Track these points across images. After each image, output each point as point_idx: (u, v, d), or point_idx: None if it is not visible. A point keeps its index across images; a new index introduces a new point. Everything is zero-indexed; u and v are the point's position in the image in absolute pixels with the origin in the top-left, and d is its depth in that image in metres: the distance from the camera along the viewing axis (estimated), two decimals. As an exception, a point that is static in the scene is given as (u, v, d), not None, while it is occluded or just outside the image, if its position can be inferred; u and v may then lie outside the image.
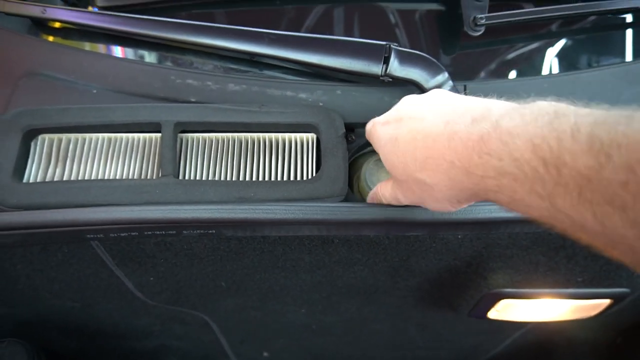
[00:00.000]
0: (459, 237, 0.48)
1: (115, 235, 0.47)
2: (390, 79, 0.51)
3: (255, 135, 0.51)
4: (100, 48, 0.58)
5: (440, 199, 0.37)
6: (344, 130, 0.50)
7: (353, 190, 0.54)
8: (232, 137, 0.51)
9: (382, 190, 0.44)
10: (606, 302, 0.55)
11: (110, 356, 0.79)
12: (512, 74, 0.58)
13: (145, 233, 0.47)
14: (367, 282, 0.57)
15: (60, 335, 0.72)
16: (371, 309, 0.65)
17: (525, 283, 0.53)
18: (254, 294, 0.60)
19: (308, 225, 0.46)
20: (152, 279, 0.55)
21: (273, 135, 0.51)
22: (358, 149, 0.54)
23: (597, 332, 0.75)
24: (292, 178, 0.49)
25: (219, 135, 0.51)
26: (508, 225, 0.47)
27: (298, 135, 0.51)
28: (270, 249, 0.49)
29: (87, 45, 0.58)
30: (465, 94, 0.54)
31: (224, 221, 0.44)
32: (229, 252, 0.50)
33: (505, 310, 0.56)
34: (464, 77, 0.56)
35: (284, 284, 0.57)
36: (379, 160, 0.47)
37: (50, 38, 0.59)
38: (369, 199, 0.47)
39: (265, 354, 0.83)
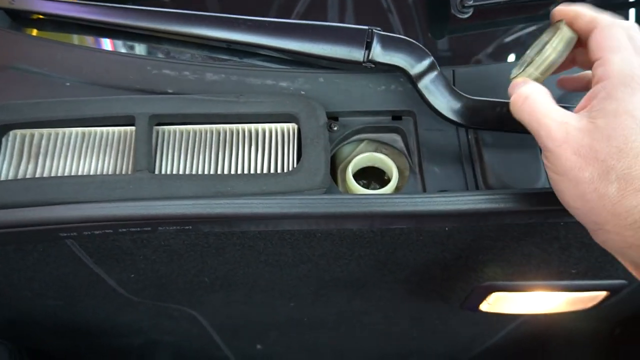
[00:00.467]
0: (446, 229, 0.46)
1: (89, 233, 0.45)
2: (373, 65, 0.49)
3: (233, 126, 0.49)
4: (74, 39, 0.56)
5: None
6: (326, 119, 0.48)
7: (337, 183, 0.52)
8: (209, 129, 0.49)
9: (553, 108, 0.35)
10: (602, 294, 0.54)
11: (101, 354, 0.79)
12: (503, 58, 0.55)
13: (120, 230, 0.45)
14: (354, 276, 0.55)
15: (48, 334, 0.71)
16: (362, 301, 0.64)
17: (517, 275, 0.51)
18: (239, 288, 0.58)
19: (287, 220, 0.44)
20: (132, 275, 0.54)
21: (252, 126, 0.49)
22: (342, 139, 0.52)
23: (594, 323, 0.74)
24: (272, 170, 0.47)
25: (196, 127, 0.49)
26: (498, 216, 0.45)
27: (278, 125, 0.49)
28: (250, 244, 0.48)
29: (61, 37, 0.56)
30: (454, 80, 0.52)
31: (199, 217, 0.43)
32: (209, 248, 0.48)
33: (498, 303, 0.54)
34: (452, 61, 0.54)
35: (269, 279, 0.56)
36: None
37: (26, 30, 0.57)
38: (519, 90, 0.38)
39: (259, 346, 0.83)
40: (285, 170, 0.47)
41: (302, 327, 0.74)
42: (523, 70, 0.41)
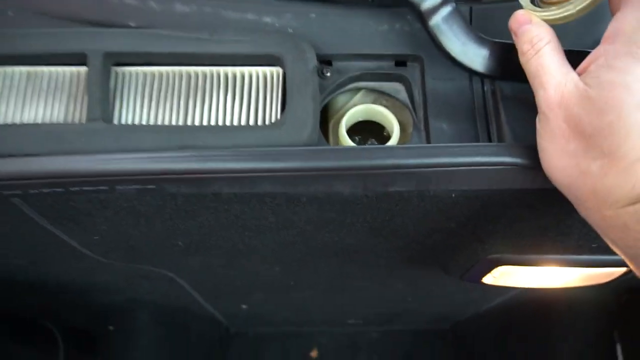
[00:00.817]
0: (453, 195, 0.40)
1: (37, 191, 0.39)
2: (375, -2, 0.41)
3: (206, 69, 0.41)
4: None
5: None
6: (316, 63, 0.40)
7: (328, 139, 0.45)
8: (177, 72, 0.41)
9: (558, 65, 0.32)
10: (621, 270, 0.48)
11: (77, 311, 0.75)
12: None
13: (71, 189, 0.39)
14: (346, 242, 0.50)
15: (18, 292, 0.67)
16: (354, 267, 0.59)
17: (529, 248, 0.45)
18: (218, 253, 0.53)
19: (265, 179, 0.38)
20: (96, 237, 0.48)
21: (229, 69, 0.42)
22: (336, 87, 0.44)
23: (600, 291, 0.69)
24: (251, 122, 0.40)
25: (162, 69, 0.41)
26: (515, 178, 0.38)
27: (259, 69, 0.42)
28: (225, 208, 0.42)
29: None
30: (471, 18, 0.43)
31: (161, 172, 0.36)
32: (178, 211, 0.42)
33: (504, 277, 0.49)
34: None
35: (249, 244, 0.50)
36: None
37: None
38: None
39: (244, 306, 0.79)
40: (267, 123, 0.40)
41: (289, 290, 0.69)
42: (541, 9, 0.36)
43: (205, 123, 0.40)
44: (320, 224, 0.45)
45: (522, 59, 0.35)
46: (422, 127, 0.43)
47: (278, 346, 1.02)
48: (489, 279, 0.49)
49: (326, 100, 0.44)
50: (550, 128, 0.32)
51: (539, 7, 0.37)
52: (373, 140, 0.50)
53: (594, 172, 0.30)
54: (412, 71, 0.44)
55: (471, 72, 0.41)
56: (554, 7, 0.35)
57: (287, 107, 0.39)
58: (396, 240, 0.48)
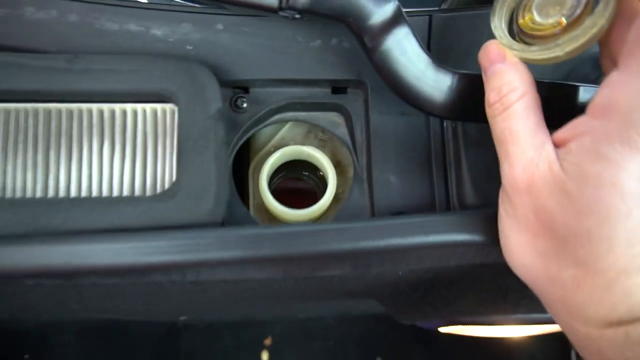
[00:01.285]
0: (400, 273, 0.32)
1: None
2: (298, 15, 0.29)
3: (73, 106, 0.30)
4: None
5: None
6: (220, 103, 0.30)
7: (248, 190, 0.36)
8: (32, 110, 0.30)
9: (531, 133, 0.24)
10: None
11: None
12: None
13: None
14: (275, 296, 0.42)
15: None
16: (293, 301, 0.52)
17: (489, 310, 0.39)
18: (122, 305, 0.44)
19: (153, 272, 0.28)
20: None
21: (105, 106, 0.31)
22: (255, 122, 0.34)
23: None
24: (137, 188, 0.30)
25: (9, 106, 0.30)
26: (477, 254, 0.31)
27: (147, 106, 0.31)
28: (110, 291, 0.32)
29: None
30: (430, 33, 0.33)
31: (6, 269, 0.26)
32: (52, 293, 0.33)
33: (462, 330, 0.43)
34: (426, 3, 0.35)
35: (160, 300, 0.41)
36: None
37: None
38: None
39: (182, 317, 0.72)
40: (159, 189, 0.30)
41: (228, 307, 0.62)
42: (520, 45, 0.26)
43: (74, 192, 0.29)
44: (237, 292, 0.36)
45: (488, 112, 0.27)
46: (364, 176, 0.34)
47: (231, 335, 0.97)
48: (445, 330, 0.43)
49: (242, 141, 0.34)
50: (515, 215, 0.26)
51: (518, 40, 0.27)
52: (309, 173, 0.40)
53: (565, 281, 0.24)
54: (353, 100, 0.34)
55: (428, 112, 0.31)
56: (535, 47, 0.26)
57: (180, 170, 0.29)
58: (336, 298, 0.40)
